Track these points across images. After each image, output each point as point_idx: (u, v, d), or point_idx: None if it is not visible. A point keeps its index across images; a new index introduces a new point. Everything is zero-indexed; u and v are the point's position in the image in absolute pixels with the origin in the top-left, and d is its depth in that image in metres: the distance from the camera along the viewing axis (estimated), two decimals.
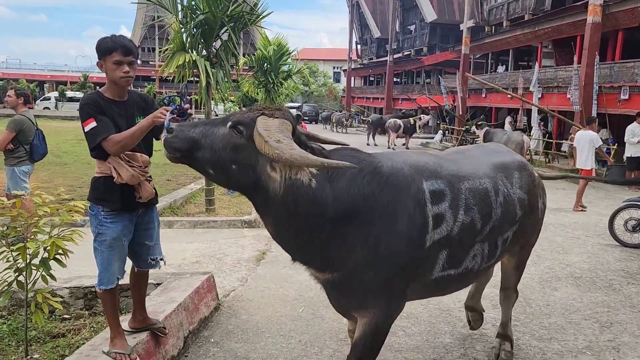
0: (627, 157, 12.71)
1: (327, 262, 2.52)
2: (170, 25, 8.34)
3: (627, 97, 15.38)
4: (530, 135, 18.02)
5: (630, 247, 7.05)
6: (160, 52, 56.65)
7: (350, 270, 2.50)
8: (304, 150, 2.21)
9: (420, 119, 22.77)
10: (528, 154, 16.57)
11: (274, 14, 8.53)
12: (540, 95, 19.20)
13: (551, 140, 18.33)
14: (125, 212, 3.02)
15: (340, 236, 2.43)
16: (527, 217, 3.19)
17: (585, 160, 9.90)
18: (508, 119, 21.55)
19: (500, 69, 26.34)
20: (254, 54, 14.14)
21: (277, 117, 2.34)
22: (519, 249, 3.41)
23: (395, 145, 22.30)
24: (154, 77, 58.90)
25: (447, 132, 25.73)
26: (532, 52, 24.98)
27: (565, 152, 17.45)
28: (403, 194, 2.51)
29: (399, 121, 22.33)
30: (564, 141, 18.19)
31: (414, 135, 23.40)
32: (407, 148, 23.51)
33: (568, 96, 17.60)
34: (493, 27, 26.99)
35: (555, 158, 17.63)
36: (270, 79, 13.79)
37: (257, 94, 15.49)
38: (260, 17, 8.48)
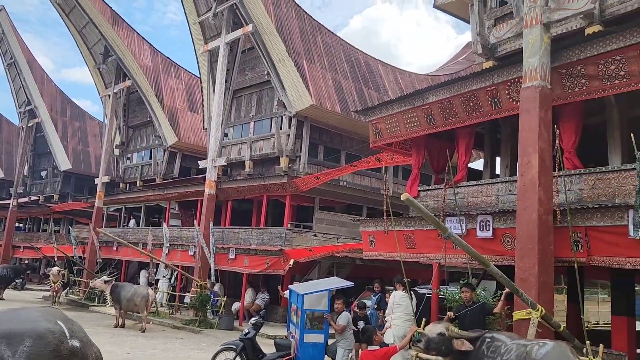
0: None
1: None
2: None
3: (234, 256, 18.70)
4: (156, 289, 19.31)
5: None
6: None
7: None
8: None
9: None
10: (154, 306, 17.65)
11: None
12: (167, 252, 21.14)
13: (175, 293, 20.05)
14: None
15: None
16: None
17: None
18: (143, 273, 22.60)
19: (132, 223, 27.77)
20: None
21: None
22: None
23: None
24: None
25: (74, 284, 24.69)
26: (162, 211, 27.53)
27: (187, 304, 19.21)
28: None
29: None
30: (187, 293, 20.08)
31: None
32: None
33: (190, 253, 20.06)
34: (128, 184, 28.85)
35: (179, 309, 19.23)
36: None
37: None
38: None
